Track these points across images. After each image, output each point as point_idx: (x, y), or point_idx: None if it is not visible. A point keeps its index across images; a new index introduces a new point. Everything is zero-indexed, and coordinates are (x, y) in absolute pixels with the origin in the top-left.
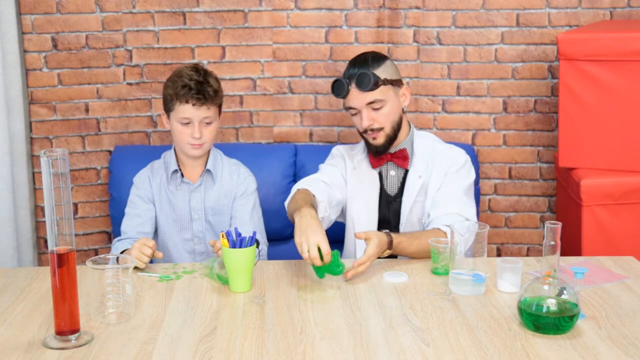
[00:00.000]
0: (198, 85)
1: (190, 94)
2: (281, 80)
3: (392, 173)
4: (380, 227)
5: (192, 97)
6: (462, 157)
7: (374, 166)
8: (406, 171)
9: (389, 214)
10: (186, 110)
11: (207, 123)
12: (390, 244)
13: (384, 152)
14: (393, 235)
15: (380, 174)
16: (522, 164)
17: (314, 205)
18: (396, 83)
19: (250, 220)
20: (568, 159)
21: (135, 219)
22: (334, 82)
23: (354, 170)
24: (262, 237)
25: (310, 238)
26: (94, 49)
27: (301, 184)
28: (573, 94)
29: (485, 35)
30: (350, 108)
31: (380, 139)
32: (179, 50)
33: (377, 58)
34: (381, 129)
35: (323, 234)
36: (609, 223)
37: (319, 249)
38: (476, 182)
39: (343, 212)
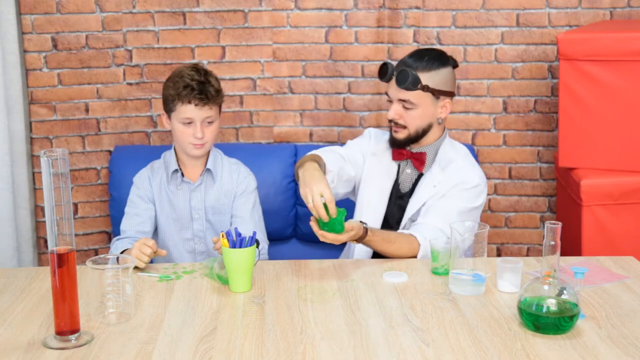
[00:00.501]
0: (200, 86)
1: (192, 94)
2: (281, 80)
3: (408, 171)
4: (385, 219)
5: (194, 97)
6: (474, 180)
7: (394, 158)
8: (421, 174)
9: (395, 208)
10: (188, 110)
11: (209, 122)
12: (360, 239)
13: (400, 147)
14: (369, 231)
15: (398, 167)
16: (522, 164)
17: (320, 164)
18: (438, 93)
19: (250, 219)
20: (568, 159)
21: (135, 218)
22: (382, 64)
23: (374, 156)
24: (262, 235)
25: (313, 188)
26: (94, 49)
27: (316, 151)
28: (573, 94)
29: (485, 35)
30: (387, 94)
31: (400, 135)
32: (179, 50)
33: (434, 61)
34: (405, 127)
35: (326, 184)
36: (609, 223)
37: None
38: None
39: (355, 192)
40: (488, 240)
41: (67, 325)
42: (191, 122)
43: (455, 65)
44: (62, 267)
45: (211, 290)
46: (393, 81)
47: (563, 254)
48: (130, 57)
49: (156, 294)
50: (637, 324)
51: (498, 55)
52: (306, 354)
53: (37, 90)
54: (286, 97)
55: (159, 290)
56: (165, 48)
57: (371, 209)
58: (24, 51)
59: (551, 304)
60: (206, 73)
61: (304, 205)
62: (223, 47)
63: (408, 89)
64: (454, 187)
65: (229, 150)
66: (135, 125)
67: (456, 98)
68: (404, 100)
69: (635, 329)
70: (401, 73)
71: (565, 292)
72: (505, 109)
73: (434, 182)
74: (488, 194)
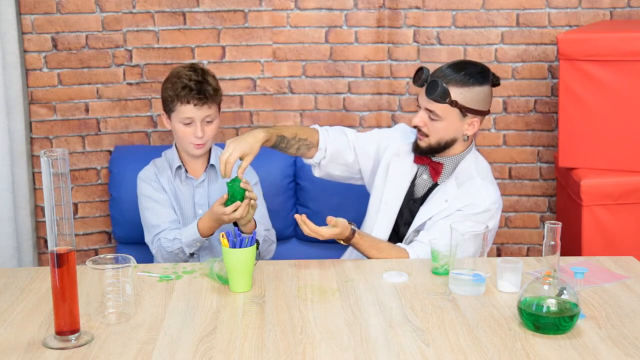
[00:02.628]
0: (198, 85)
1: (191, 94)
2: (281, 80)
3: (424, 177)
4: (396, 220)
5: (193, 97)
6: (485, 203)
7: (415, 161)
8: (436, 184)
9: (407, 211)
10: (188, 110)
11: (208, 121)
12: (347, 240)
13: (422, 154)
14: (357, 234)
15: (417, 170)
16: (522, 164)
17: (286, 138)
18: (467, 111)
19: (257, 212)
20: (568, 159)
21: (162, 210)
22: (419, 69)
23: (397, 157)
24: (267, 222)
25: (230, 147)
26: (94, 49)
27: (322, 127)
28: (573, 94)
29: (485, 35)
30: (417, 99)
31: (422, 143)
32: (179, 50)
33: (471, 77)
34: (427, 135)
35: (241, 150)
36: (609, 223)
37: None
38: None
39: (368, 183)
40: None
41: (67, 325)
42: (191, 122)
43: (495, 83)
44: (62, 267)
45: (211, 290)
46: (424, 88)
47: (563, 254)
48: (130, 57)
49: (156, 294)
50: (637, 324)
51: (498, 55)
52: (306, 354)
53: (37, 90)
54: (286, 97)
55: (159, 290)
56: (165, 48)
57: (387, 209)
58: (24, 51)
59: (551, 304)
60: (204, 72)
61: (304, 205)
62: (223, 47)
63: (436, 100)
64: (462, 210)
65: None
66: (135, 125)
67: None
68: (430, 110)
69: (635, 329)
70: (432, 83)
71: (565, 292)
72: (505, 109)
73: (446, 197)
74: None
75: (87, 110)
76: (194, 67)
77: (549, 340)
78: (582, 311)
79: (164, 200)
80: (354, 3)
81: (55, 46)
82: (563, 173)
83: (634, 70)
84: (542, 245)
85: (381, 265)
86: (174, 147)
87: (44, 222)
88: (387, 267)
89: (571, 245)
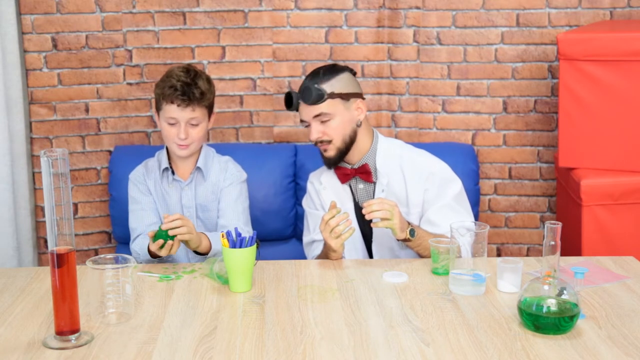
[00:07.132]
0: (184, 87)
1: (175, 94)
2: (281, 80)
3: (361, 186)
4: (365, 238)
5: (177, 98)
6: (435, 171)
7: (342, 181)
8: (375, 184)
9: (364, 225)
10: (172, 110)
11: (193, 124)
12: (410, 227)
13: (335, 165)
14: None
15: (350, 188)
16: (522, 164)
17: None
18: (347, 97)
19: (232, 210)
20: (568, 159)
21: (141, 213)
22: (286, 96)
23: (324, 190)
24: (245, 226)
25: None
26: (94, 49)
27: (309, 257)
28: (573, 94)
29: (485, 35)
30: (302, 121)
31: (330, 152)
32: (179, 50)
33: (330, 71)
34: (330, 141)
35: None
36: (609, 223)
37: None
38: (476, 182)
39: None
40: (488, 240)
41: (67, 325)
42: (175, 123)
43: (351, 71)
44: (62, 267)
45: (211, 290)
46: (302, 105)
47: (563, 254)
48: (130, 57)
49: (156, 294)
50: (637, 324)
51: (498, 55)
52: (306, 354)
53: (37, 90)
54: None
55: (159, 290)
56: (165, 48)
57: (350, 237)
58: (24, 51)
59: (551, 304)
60: (196, 74)
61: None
62: (223, 47)
63: (317, 102)
64: (427, 189)
65: (229, 150)
66: (135, 125)
67: (456, 98)
68: (318, 115)
69: (635, 329)
70: (304, 92)
71: (565, 292)
72: (505, 109)
73: (382, 187)
74: (488, 194)
75: (87, 110)
76: (187, 69)
77: (549, 340)
78: (582, 311)
79: (147, 203)
80: (354, 3)
81: (55, 46)
82: (563, 173)
83: (634, 70)
84: (542, 245)
85: (381, 265)
86: (164, 147)
87: (44, 222)
88: (387, 267)
89: (571, 245)
